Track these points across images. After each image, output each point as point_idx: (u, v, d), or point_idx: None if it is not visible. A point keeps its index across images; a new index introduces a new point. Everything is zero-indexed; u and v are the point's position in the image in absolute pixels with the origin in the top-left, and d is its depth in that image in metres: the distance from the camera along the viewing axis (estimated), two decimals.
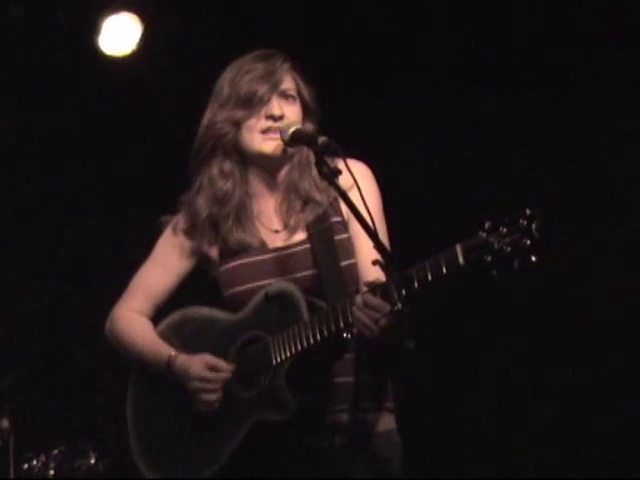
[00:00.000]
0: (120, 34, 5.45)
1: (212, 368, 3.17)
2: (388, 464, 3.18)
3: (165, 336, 3.33)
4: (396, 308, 2.83)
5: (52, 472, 4.89)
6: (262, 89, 3.20)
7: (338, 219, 3.24)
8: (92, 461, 4.85)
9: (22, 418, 4.94)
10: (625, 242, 5.10)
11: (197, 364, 3.18)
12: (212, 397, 3.16)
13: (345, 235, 3.23)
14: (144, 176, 5.67)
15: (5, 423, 4.86)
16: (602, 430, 5.12)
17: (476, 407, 5.41)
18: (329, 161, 3.03)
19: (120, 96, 5.56)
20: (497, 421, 5.39)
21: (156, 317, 3.41)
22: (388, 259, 2.86)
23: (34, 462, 4.89)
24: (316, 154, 3.04)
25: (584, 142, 5.17)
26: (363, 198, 2.94)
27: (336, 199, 3.21)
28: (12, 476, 4.80)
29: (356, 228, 3.13)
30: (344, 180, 3.01)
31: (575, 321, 5.16)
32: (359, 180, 3.00)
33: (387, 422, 3.21)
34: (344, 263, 3.19)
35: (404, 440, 3.24)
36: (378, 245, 2.89)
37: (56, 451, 4.90)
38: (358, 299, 2.94)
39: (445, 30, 5.30)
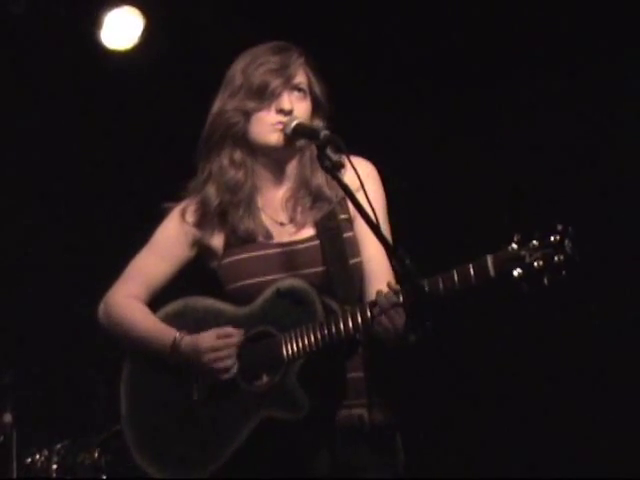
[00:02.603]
0: (122, 28, 5.44)
1: (222, 336, 3.13)
2: (393, 457, 3.20)
3: (165, 323, 3.27)
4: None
5: (55, 467, 4.87)
6: (275, 82, 3.20)
7: (345, 217, 3.24)
8: (95, 456, 4.84)
9: (25, 412, 4.93)
10: None
11: (206, 337, 3.14)
12: (228, 363, 3.12)
13: (352, 233, 3.23)
14: (146, 170, 5.66)
15: (8, 417, 4.85)
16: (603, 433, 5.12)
17: (475, 404, 5.40)
18: (335, 157, 3.02)
19: (122, 90, 5.56)
20: (496, 419, 5.39)
21: (150, 305, 3.34)
22: (391, 255, 2.88)
23: (37, 457, 4.88)
24: (318, 148, 3.04)
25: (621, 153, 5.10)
26: (368, 197, 2.96)
27: (344, 197, 3.19)
28: (15, 471, 4.80)
29: (361, 226, 3.15)
30: (351, 180, 3.03)
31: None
32: (364, 179, 3.01)
33: (391, 416, 3.22)
34: (352, 261, 3.19)
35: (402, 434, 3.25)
36: (382, 241, 2.91)
37: (59, 446, 4.88)
38: (382, 300, 2.94)
39: (463, 35, 5.27)
